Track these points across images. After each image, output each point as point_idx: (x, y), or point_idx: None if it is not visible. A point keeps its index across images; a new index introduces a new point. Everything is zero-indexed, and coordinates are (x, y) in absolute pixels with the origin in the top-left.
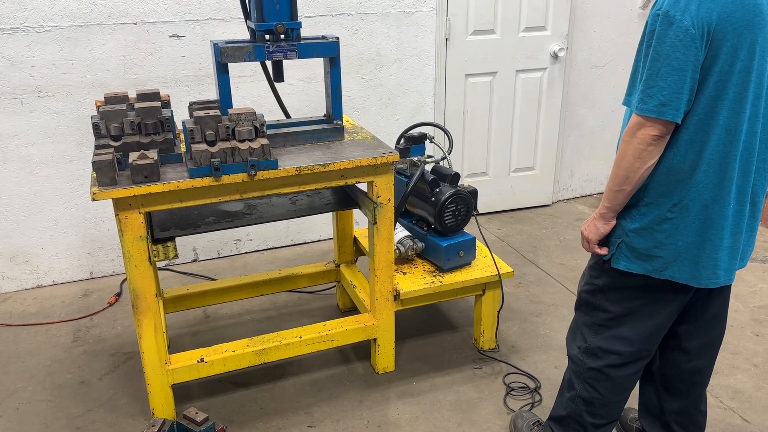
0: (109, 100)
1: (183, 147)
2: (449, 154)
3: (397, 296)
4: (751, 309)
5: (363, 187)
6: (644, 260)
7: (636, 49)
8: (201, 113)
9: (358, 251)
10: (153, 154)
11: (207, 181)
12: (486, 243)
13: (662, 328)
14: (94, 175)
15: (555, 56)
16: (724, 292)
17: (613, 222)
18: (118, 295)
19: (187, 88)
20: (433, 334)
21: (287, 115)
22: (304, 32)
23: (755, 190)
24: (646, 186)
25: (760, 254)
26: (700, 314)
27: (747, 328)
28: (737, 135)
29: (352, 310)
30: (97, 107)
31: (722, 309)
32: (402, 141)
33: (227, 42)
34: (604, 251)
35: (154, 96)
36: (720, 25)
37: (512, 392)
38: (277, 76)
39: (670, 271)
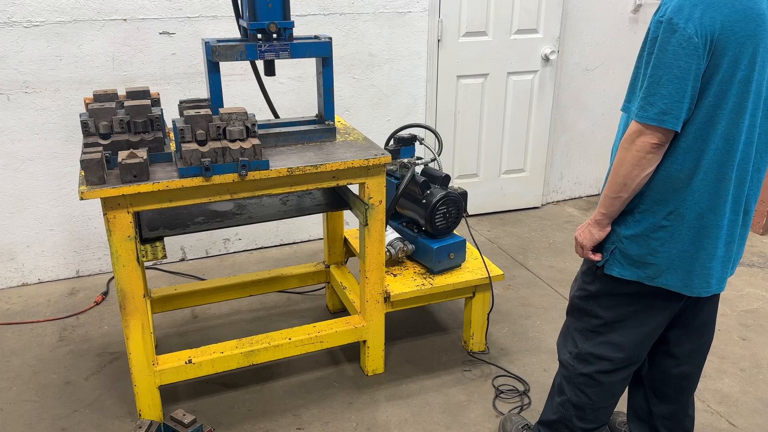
0: (99, 97)
1: (173, 146)
2: (439, 156)
3: (387, 298)
4: (738, 313)
5: (354, 188)
6: (638, 267)
7: (627, 53)
8: (192, 112)
9: (348, 252)
10: (142, 153)
11: (197, 181)
12: (476, 245)
13: (653, 335)
14: (83, 173)
15: (546, 59)
16: (714, 299)
17: (608, 228)
18: (105, 294)
19: (177, 85)
20: (423, 336)
21: (276, 115)
22: (296, 31)
23: (749, 199)
24: (642, 193)
25: (747, 259)
26: (689, 321)
27: (734, 332)
28: (735, 145)
29: (342, 311)
30: (86, 105)
31: (711, 316)
32: (392, 142)
33: (219, 40)
34: (597, 257)
35: (144, 94)
36: (723, 34)
37: (501, 395)
38: (268, 69)
39: (663, 279)
